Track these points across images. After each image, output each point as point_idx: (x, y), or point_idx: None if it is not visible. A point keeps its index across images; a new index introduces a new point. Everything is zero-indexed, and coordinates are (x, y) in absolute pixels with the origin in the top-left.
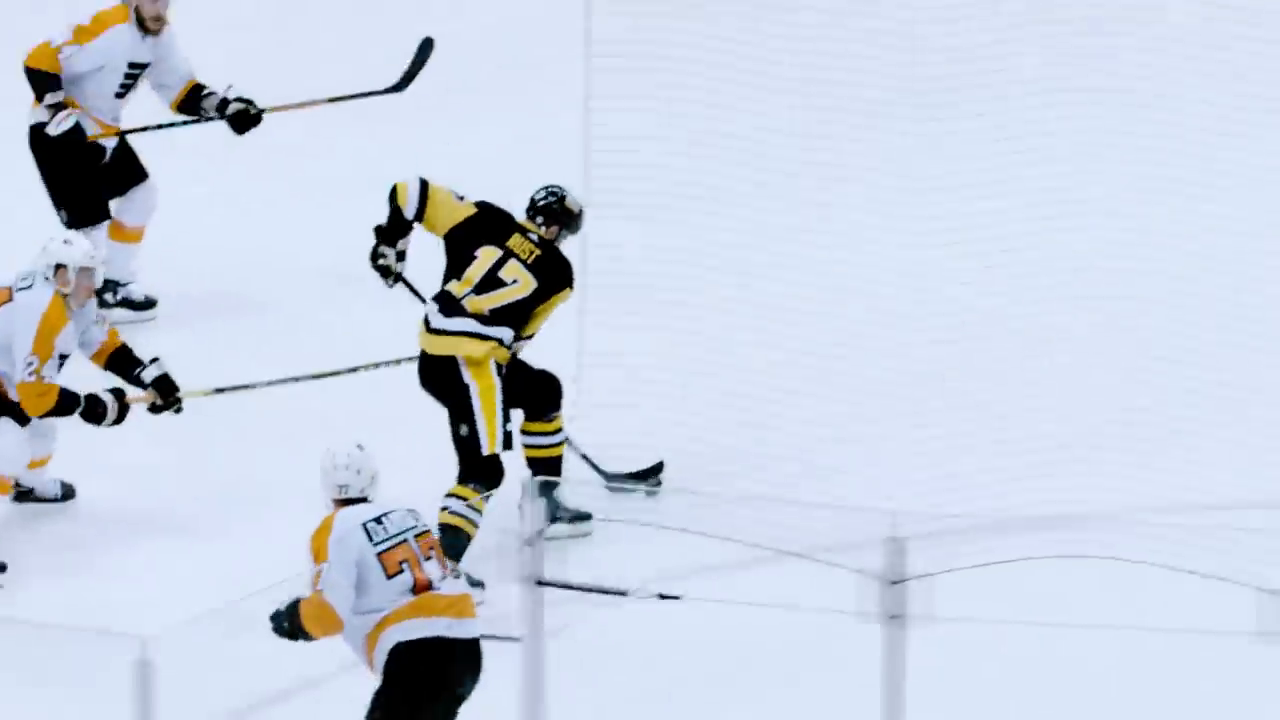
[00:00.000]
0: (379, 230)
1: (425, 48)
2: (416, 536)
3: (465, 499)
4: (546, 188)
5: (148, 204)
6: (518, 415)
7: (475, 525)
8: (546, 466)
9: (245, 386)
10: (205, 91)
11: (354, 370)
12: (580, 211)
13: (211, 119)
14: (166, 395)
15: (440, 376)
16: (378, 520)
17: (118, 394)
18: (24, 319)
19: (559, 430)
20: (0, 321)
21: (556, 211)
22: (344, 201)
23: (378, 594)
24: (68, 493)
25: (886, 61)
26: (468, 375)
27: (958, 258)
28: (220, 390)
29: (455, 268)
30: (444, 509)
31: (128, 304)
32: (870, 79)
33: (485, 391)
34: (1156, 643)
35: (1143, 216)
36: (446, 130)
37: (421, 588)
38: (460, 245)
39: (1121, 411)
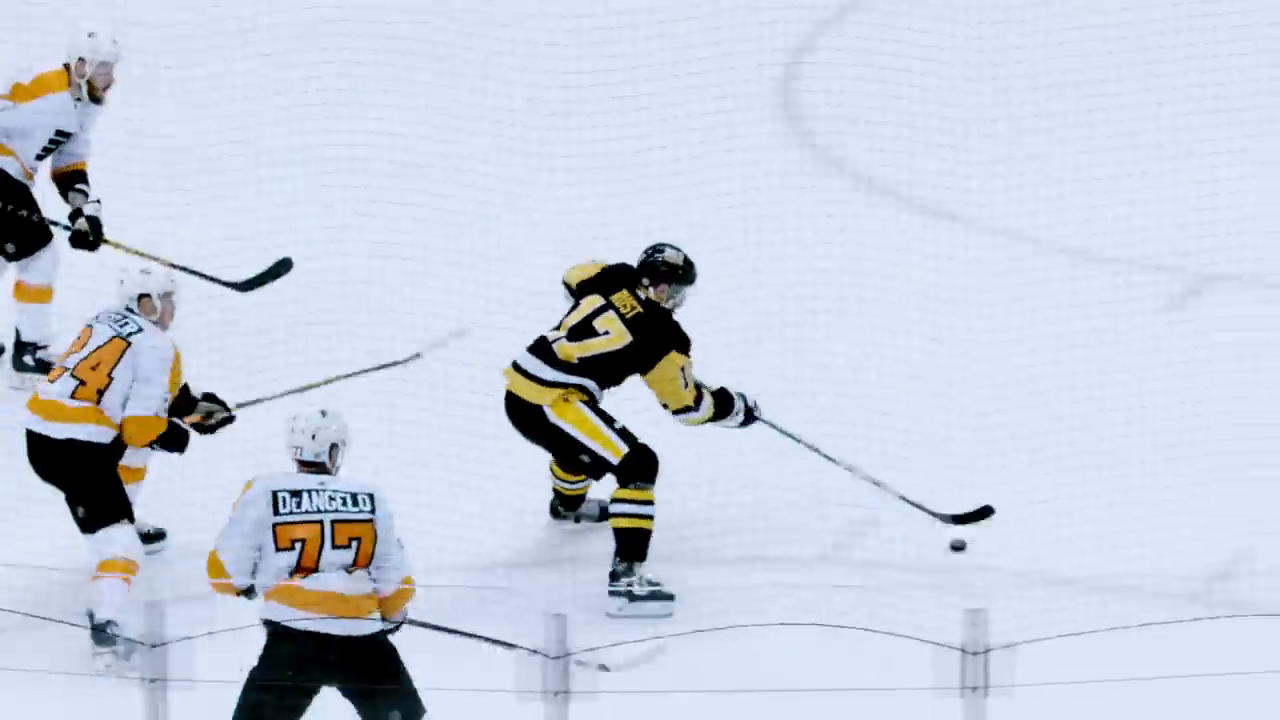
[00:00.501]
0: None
1: (281, 266)
2: (339, 522)
3: (631, 499)
4: (650, 246)
5: (53, 263)
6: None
7: (649, 518)
8: (571, 504)
9: (257, 401)
10: (78, 185)
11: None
12: (684, 263)
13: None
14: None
15: (526, 419)
16: (294, 492)
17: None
18: (152, 360)
19: (584, 479)
20: (122, 368)
21: (658, 268)
22: None
23: (265, 565)
24: (158, 534)
25: None
26: (554, 417)
27: None
28: (240, 405)
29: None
30: (614, 515)
31: (43, 366)
32: None
33: (579, 423)
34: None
35: None
36: None
37: (303, 572)
38: (576, 297)
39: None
